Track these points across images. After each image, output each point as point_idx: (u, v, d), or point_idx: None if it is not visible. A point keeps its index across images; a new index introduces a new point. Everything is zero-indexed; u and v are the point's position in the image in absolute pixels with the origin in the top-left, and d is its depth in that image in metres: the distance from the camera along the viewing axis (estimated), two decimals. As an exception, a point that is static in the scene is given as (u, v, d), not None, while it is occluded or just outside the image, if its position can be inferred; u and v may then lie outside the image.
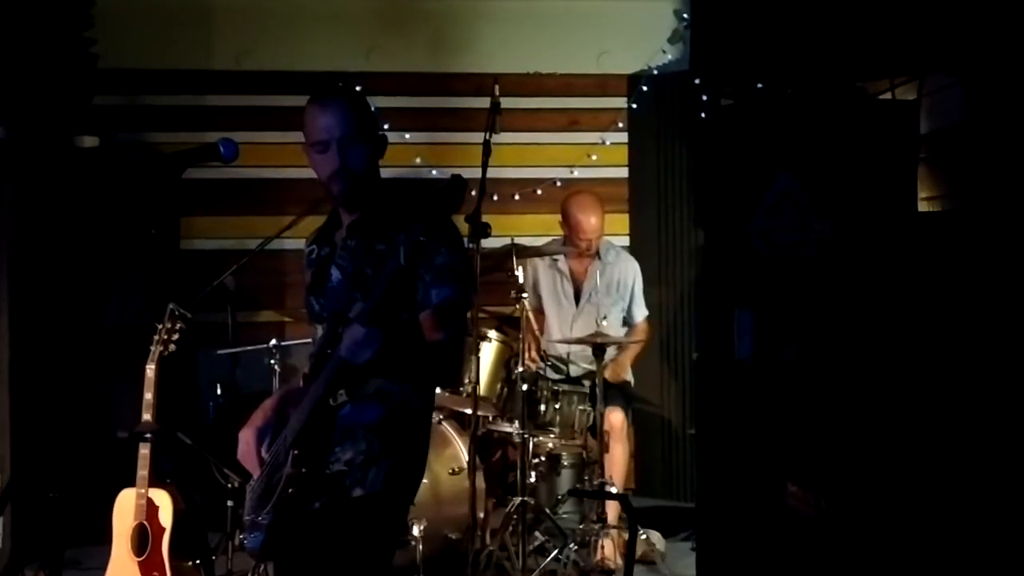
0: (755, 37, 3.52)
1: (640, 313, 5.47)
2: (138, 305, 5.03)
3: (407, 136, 6.09)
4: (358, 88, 2.74)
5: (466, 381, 4.62)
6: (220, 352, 5.14)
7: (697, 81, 5.91)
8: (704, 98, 5.91)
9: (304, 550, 2.55)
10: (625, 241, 6.14)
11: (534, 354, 5.06)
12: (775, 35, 3.56)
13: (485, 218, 4.47)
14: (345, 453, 2.53)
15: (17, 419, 4.85)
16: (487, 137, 4.50)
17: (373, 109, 2.71)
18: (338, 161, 2.58)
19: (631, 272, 5.42)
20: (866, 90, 4.01)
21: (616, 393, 5.11)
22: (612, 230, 5.69)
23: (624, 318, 5.44)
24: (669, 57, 6.21)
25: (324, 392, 2.47)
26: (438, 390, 4.67)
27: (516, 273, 4.66)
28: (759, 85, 4.74)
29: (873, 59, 3.54)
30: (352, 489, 2.52)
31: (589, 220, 5.20)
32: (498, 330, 5.00)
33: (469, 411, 4.48)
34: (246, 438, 2.60)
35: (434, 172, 6.09)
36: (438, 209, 2.45)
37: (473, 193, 4.48)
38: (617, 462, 4.92)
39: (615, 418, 4.95)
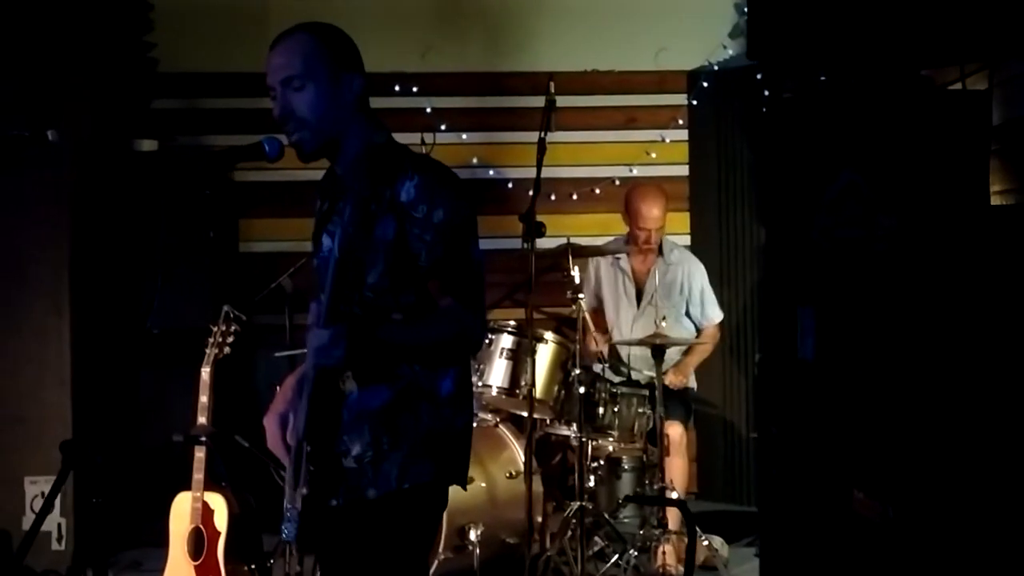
0: (815, 25, 3.41)
1: (715, 315, 5.27)
2: (199, 308, 5.03)
3: (464, 136, 6.07)
4: (329, 25, 2.54)
5: (522, 383, 4.55)
6: (278, 354, 5.13)
7: (759, 76, 5.79)
8: (766, 93, 5.78)
9: (331, 549, 2.44)
10: (686, 240, 6.02)
11: (595, 340, 4.88)
12: (836, 22, 3.44)
13: (542, 218, 4.43)
14: (353, 446, 2.36)
15: (78, 421, 4.89)
16: (542, 135, 4.46)
17: (342, 45, 2.43)
18: (278, 108, 2.37)
19: (697, 274, 5.23)
20: (934, 80, 3.87)
21: (676, 404, 4.96)
22: (672, 229, 5.57)
23: (695, 322, 5.27)
24: (730, 52, 6.09)
25: (309, 409, 2.33)
26: (492, 392, 4.65)
27: (572, 273, 4.57)
28: (822, 77, 4.60)
29: (941, 46, 3.40)
30: (366, 490, 2.34)
31: (651, 210, 5.05)
32: (555, 331, 4.91)
33: (526, 414, 4.41)
34: (270, 426, 2.45)
35: (491, 172, 6.06)
36: (422, 160, 2.32)
37: (529, 192, 4.45)
38: (677, 473, 4.78)
39: (674, 432, 4.80)
